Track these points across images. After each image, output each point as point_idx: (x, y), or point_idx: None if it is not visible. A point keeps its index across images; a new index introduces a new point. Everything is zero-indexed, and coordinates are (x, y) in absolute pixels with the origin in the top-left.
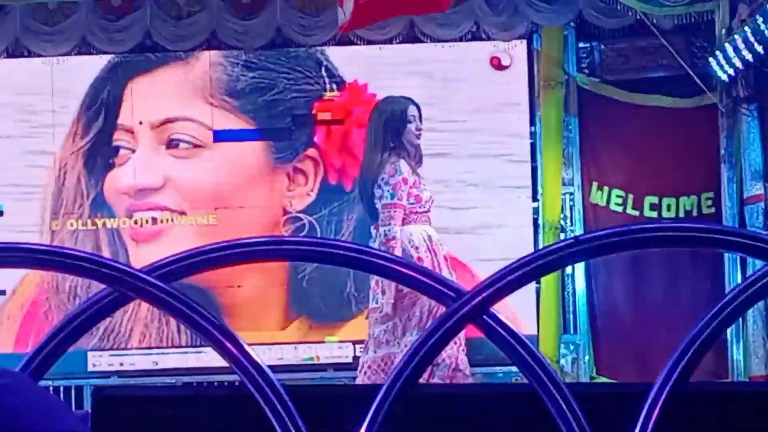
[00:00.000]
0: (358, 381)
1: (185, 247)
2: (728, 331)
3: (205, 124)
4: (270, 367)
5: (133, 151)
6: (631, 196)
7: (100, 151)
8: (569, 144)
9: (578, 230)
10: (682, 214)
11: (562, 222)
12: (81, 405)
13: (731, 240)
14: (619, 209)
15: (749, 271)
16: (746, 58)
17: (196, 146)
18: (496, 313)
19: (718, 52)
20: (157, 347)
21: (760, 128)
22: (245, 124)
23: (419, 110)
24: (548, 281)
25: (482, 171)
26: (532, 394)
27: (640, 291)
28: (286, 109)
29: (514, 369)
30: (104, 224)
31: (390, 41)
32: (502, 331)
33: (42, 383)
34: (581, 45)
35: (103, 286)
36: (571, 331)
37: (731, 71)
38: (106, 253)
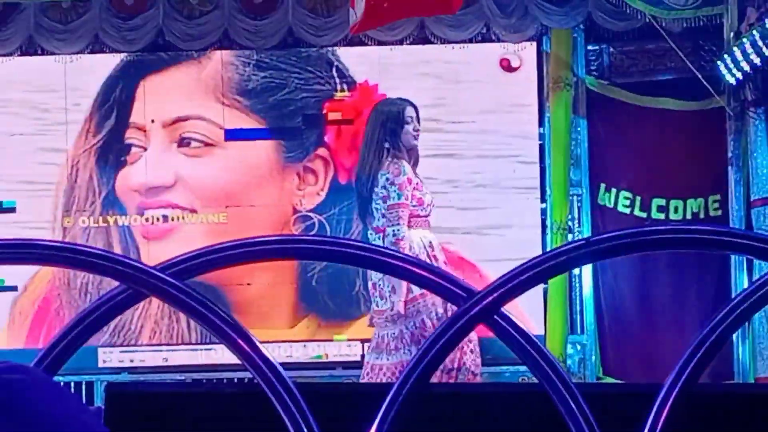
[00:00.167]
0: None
1: (196, 245)
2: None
3: (217, 123)
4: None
5: (145, 149)
6: (638, 198)
7: (112, 149)
8: (577, 146)
9: (586, 232)
10: (689, 216)
11: (570, 223)
12: (91, 401)
13: (741, 243)
14: (627, 211)
15: (755, 273)
16: (754, 61)
17: (207, 145)
18: (507, 313)
19: (726, 56)
20: (167, 344)
21: (767, 131)
22: (256, 123)
23: (417, 112)
24: (555, 281)
25: (491, 172)
26: (541, 393)
27: (646, 292)
28: (296, 108)
29: (522, 368)
30: (116, 221)
31: (400, 42)
32: (513, 332)
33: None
34: (590, 47)
35: (116, 283)
36: (578, 332)
37: (739, 75)
38: (117, 250)
